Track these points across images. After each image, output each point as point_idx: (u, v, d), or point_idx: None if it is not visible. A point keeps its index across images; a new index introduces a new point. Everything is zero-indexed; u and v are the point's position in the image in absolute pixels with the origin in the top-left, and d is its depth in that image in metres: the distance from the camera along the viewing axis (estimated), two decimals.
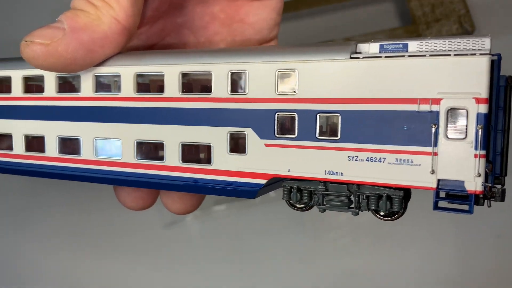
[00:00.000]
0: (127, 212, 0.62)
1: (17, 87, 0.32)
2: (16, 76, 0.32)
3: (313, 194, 0.27)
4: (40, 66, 0.28)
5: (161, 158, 0.29)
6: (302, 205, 0.28)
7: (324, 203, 0.27)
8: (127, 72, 0.29)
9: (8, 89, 0.33)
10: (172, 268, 0.60)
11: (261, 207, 0.60)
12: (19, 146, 0.32)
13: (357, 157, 0.25)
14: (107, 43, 0.28)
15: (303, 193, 0.27)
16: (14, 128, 0.32)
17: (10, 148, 0.33)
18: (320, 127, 0.26)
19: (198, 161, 0.29)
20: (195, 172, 0.29)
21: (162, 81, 0.29)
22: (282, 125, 0.27)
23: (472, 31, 0.58)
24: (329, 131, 0.26)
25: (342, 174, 0.25)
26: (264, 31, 0.35)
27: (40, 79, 0.32)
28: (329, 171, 0.26)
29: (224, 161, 0.28)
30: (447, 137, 0.24)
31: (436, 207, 0.25)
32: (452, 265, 0.56)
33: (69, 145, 0.32)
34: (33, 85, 0.33)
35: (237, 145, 0.28)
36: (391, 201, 0.26)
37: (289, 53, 0.26)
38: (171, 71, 0.28)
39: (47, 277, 0.62)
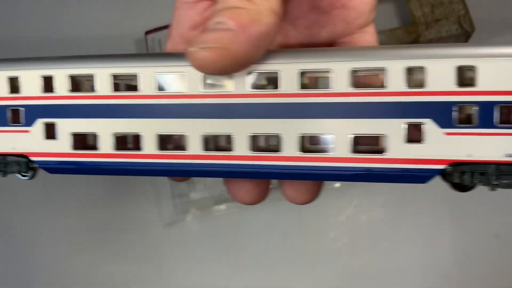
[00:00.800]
0: (125, 213, 0.62)
1: (148, 85, 0.31)
2: (147, 73, 0.31)
3: (482, 175, 0.29)
4: (215, 70, 0.27)
5: (326, 150, 0.30)
6: (468, 186, 0.30)
7: (496, 183, 0.29)
8: (289, 69, 0.30)
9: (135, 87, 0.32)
10: (171, 268, 0.61)
11: (261, 207, 0.60)
12: (151, 146, 0.32)
13: None
14: (270, 36, 0.28)
15: (474, 175, 0.29)
16: (146, 127, 0.31)
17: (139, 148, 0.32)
18: (501, 115, 0.28)
19: (370, 151, 0.30)
20: (366, 162, 0.30)
21: (326, 77, 0.30)
22: (462, 115, 0.29)
23: (472, 31, 0.58)
24: (510, 118, 0.28)
25: None
26: (366, 14, 0.34)
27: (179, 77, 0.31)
28: (509, 154, 0.28)
29: (400, 150, 0.29)
30: None
31: None
32: (450, 265, 0.57)
33: (217, 142, 0.32)
34: (168, 83, 0.32)
35: (414, 134, 0.29)
36: None
37: (469, 50, 0.28)
38: (340, 67, 0.29)
39: (50, 277, 0.62)
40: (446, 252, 0.57)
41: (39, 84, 0.32)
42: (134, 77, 0.32)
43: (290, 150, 0.30)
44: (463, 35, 0.58)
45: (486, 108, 0.28)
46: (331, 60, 0.29)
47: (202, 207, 0.61)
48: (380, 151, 0.29)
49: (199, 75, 0.30)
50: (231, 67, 0.27)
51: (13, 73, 0.32)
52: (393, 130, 0.29)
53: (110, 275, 0.61)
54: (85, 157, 0.33)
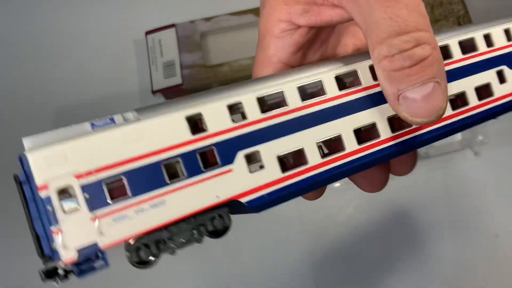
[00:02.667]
0: None
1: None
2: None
3: None
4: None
5: None
6: None
7: None
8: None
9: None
10: (171, 268, 0.60)
11: None
12: (352, 143, 0.32)
13: None
14: None
15: None
16: (344, 127, 0.32)
17: None
18: None
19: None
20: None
21: None
22: None
23: None
24: None
25: None
26: None
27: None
28: None
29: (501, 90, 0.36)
30: None
31: None
32: (450, 265, 0.57)
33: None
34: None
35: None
36: None
37: None
38: None
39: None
40: (446, 252, 0.57)
41: (227, 114, 0.28)
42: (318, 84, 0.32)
43: None
44: None
45: None
46: None
47: None
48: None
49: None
50: None
51: (192, 111, 0.28)
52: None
53: (109, 275, 0.61)
54: (297, 176, 0.30)
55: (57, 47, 0.69)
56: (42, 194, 0.23)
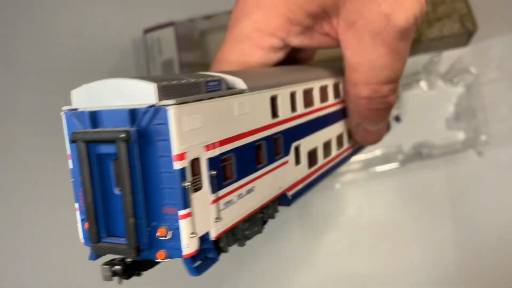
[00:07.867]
0: None
1: None
2: None
3: None
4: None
5: None
6: None
7: None
8: None
9: None
10: (171, 268, 0.60)
11: None
12: None
13: None
14: None
15: None
16: None
17: None
18: None
19: None
20: None
21: None
22: None
23: (474, 30, 0.57)
24: None
25: None
26: None
27: None
28: None
29: None
30: None
31: None
32: (453, 266, 0.56)
33: None
34: None
35: None
36: None
37: None
38: None
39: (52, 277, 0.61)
40: (449, 253, 0.56)
41: (289, 102, 0.28)
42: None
43: None
44: (466, 33, 0.58)
45: None
46: None
47: None
48: None
49: None
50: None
51: (275, 92, 0.26)
52: None
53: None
54: (315, 172, 0.32)
55: (55, 45, 0.69)
56: (177, 165, 0.17)
